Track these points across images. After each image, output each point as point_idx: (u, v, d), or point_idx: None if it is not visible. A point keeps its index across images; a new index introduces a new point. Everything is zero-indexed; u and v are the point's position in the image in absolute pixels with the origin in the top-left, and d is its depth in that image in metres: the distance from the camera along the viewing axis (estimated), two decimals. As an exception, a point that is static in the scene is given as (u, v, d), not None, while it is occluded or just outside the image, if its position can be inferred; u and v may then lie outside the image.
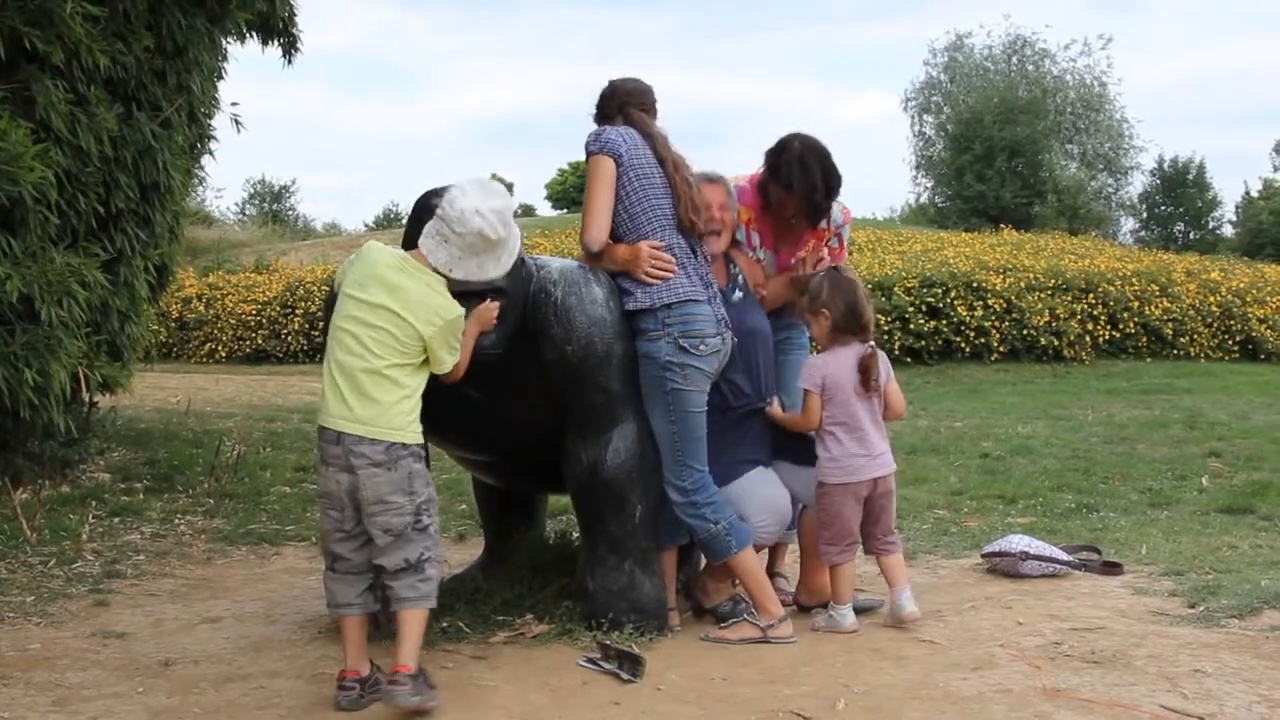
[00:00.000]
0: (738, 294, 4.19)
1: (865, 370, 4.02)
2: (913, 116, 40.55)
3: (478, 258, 3.37)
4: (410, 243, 3.59)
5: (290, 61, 7.49)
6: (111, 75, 5.53)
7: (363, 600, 3.36)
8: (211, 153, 7.23)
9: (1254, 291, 16.89)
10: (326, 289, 4.07)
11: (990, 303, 14.78)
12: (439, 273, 3.35)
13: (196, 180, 7.21)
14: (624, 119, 4.05)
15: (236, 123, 7.00)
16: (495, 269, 3.43)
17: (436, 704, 3.20)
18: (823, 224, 4.32)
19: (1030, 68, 38.98)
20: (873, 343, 4.08)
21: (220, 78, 7.01)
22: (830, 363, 4.06)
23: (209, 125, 6.97)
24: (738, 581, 4.03)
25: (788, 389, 4.25)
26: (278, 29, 7.24)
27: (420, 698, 3.16)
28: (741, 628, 3.89)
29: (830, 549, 4.05)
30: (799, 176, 4.11)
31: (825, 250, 4.32)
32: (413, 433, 3.31)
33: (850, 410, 4.02)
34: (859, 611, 4.08)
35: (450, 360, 3.39)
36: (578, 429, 3.83)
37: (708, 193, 4.11)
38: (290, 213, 43.09)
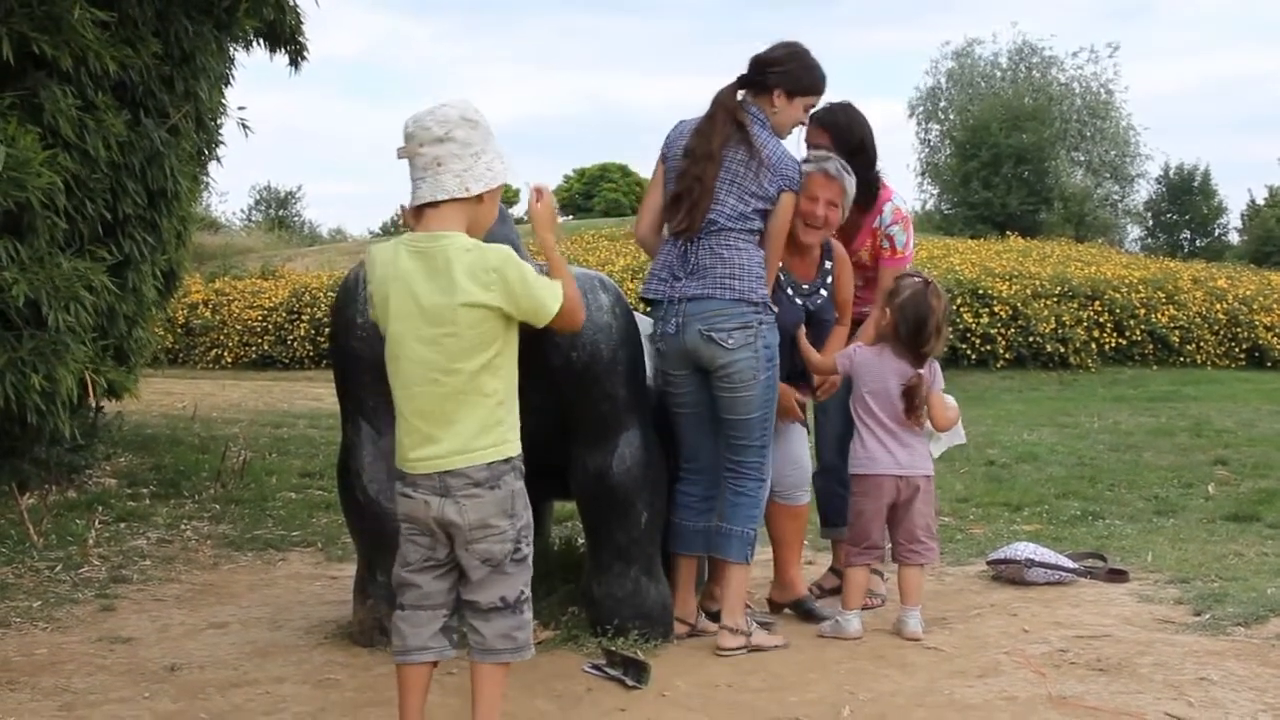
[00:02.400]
0: (824, 291, 4.17)
1: (909, 395, 3.97)
2: (918, 124, 40.59)
3: (477, 151, 2.76)
4: None
5: (297, 69, 7.51)
6: (119, 81, 5.55)
7: (437, 644, 2.82)
8: (219, 159, 7.26)
9: (1261, 299, 16.87)
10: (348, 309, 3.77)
11: (996, 310, 14.77)
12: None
13: (203, 186, 7.22)
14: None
15: (244, 127, 7.01)
16: (503, 165, 2.82)
17: None
18: (875, 222, 4.40)
19: (1036, 75, 39.00)
20: (923, 372, 4.00)
21: (228, 84, 7.03)
22: (866, 358, 4.05)
23: (216, 132, 6.99)
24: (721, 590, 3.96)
25: None
26: (285, 37, 7.26)
27: None
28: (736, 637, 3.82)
29: (850, 549, 4.08)
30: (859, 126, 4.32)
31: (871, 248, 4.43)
32: (514, 443, 2.80)
33: (869, 407, 4.03)
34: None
35: (551, 297, 2.79)
36: (583, 436, 3.83)
37: (818, 186, 4.01)
38: (296, 219, 43.16)
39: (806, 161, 4.05)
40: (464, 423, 2.72)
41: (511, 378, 2.82)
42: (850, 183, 4.08)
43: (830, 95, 4.16)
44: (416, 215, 2.79)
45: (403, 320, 2.74)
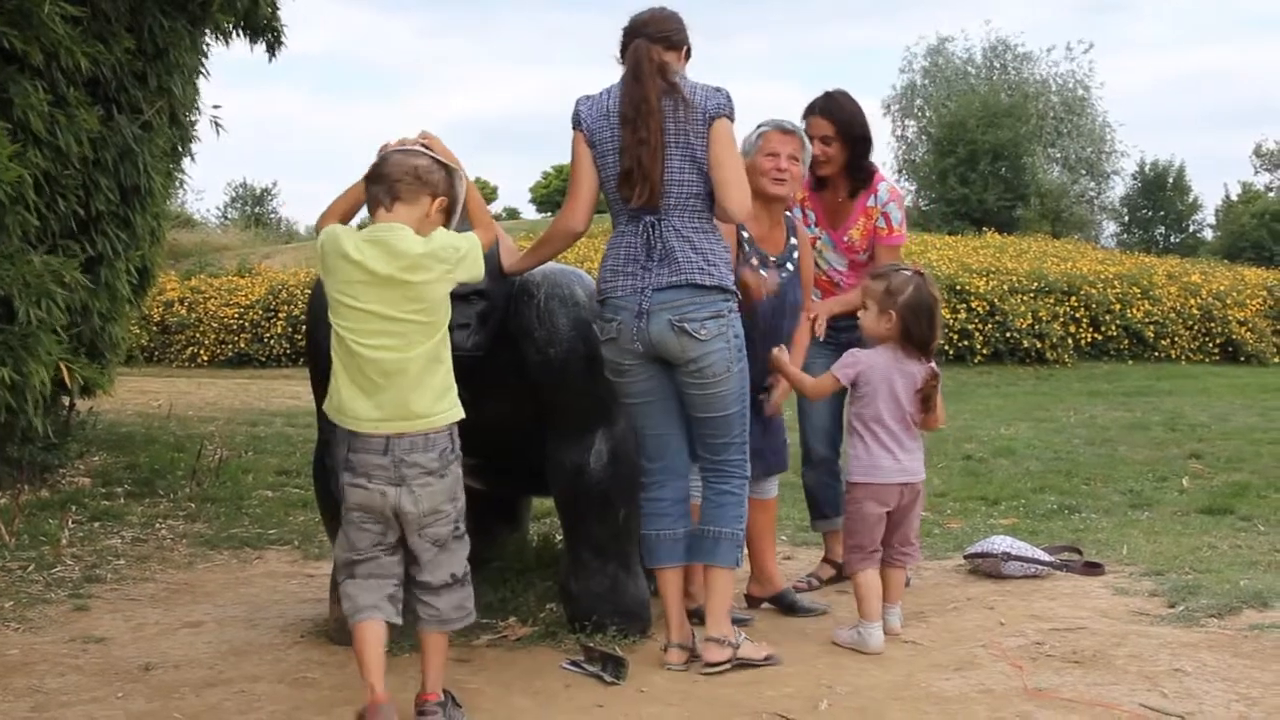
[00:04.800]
0: (790, 265, 4.10)
1: (926, 398, 3.86)
2: (894, 121, 40.68)
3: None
4: None
5: (274, 57, 7.44)
6: (92, 77, 5.50)
7: (385, 607, 3.02)
8: (193, 154, 7.21)
9: (1234, 294, 17.03)
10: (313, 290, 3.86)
11: (974, 305, 14.84)
12: (393, 197, 3.06)
13: (177, 183, 7.17)
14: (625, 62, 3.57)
15: (217, 125, 6.97)
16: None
17: None
18: (870, 201, 4.47)
19: (1011, 72, 39.17)
20: (934, 365, 3.91)
21: (202, 75, 6.94)
22: (873, 363, 3.87)
23: (190, 128, 6.94)
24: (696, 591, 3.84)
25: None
26: (260, 26, 7.19)
27: None
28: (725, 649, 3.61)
29: (853, 556, 3.91)
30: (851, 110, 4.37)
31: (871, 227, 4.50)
32: (460, 408, 3.07)
33: (878, 413, 3.85)
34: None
35: (473, 257, 3.09)
36: (561, 432, 3.82)
37: (777, 142, 4.00)
38: (273, 216, 42.99)
39: (761, 125, 4.07)
40: (425, 387, 2.98)
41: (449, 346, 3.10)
42: (807, 140, 4.12)
43: (808, 93, 4.27)
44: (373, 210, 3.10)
45: (359, 289, 2.98)
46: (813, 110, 4.44)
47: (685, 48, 3.67)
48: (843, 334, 4.41)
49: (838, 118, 4.40)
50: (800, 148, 4.07)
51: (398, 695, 3.07)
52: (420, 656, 3.11)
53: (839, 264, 4.59)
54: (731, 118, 3.55)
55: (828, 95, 4.46)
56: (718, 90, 3.54)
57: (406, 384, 2.97)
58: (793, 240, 4.18)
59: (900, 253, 4.57)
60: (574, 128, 3.61)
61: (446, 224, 3.13)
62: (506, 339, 3.69)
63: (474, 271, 3.13)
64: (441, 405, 3.03)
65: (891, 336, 3.86)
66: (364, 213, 3.20)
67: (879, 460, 3.86)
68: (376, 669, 2.95)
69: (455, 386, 3.08)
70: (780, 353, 3.99)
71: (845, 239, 4.53)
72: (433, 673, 3.06)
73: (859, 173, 4.47)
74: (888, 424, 3.86)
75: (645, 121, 3.45)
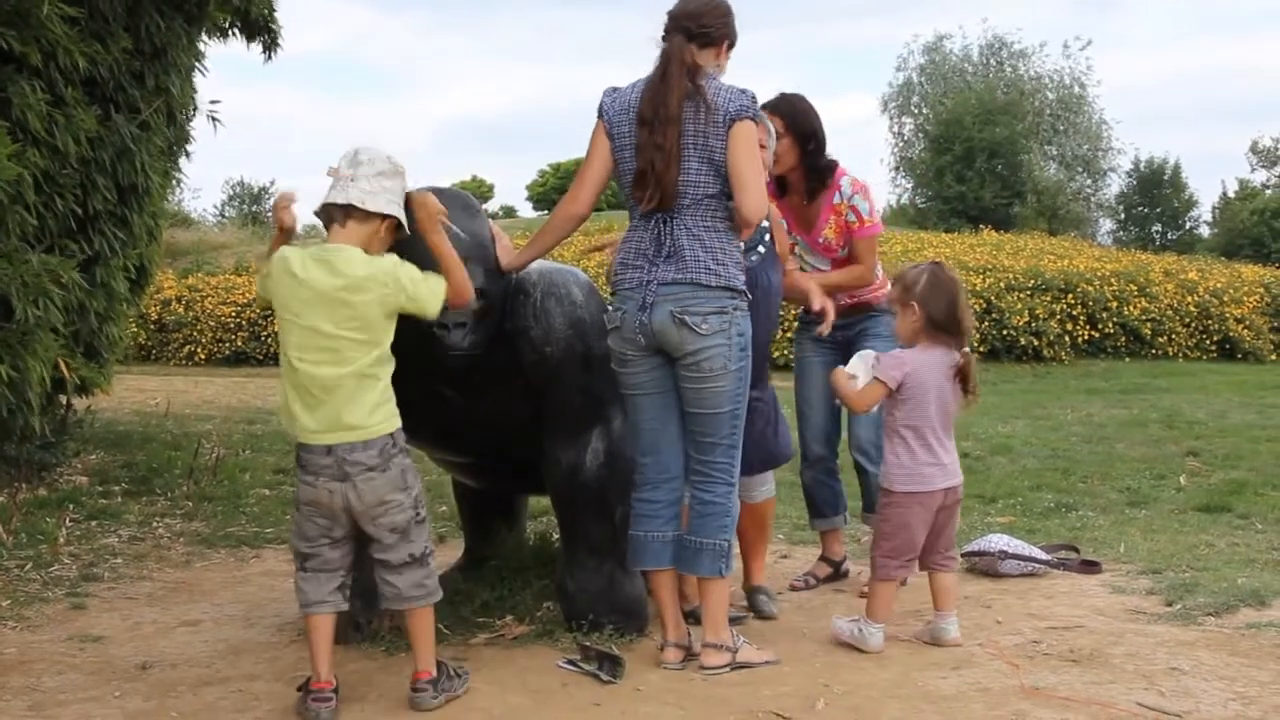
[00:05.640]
0: (761, 249, 4.01)
1: (965, 378, 3.79)
2: (891, 118, 40.74)
3: (387, 185, 3.23)
4: None
5: (271, 57, 7.43)
6: (89, 76, 5.50)
7: (334, 599, 3.28)
8: (189, 153, 7.19)
9: (1231, 291, 17.04)
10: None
11: (970, 303, 14.82)
12: (347, 215, 3.21)
13: (175, 182, 7.16)
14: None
15: (214, 121, 6.96)
16: (400, 210, 3.27)
17: (468, 685, 3.34)
18: (835, 199, 4.43)
19: (1008, 69, 39.21)
20: (968, 348, 3.85)
21: (200, 73, 6.93)
22: (919, 361, 3.76)
23: (187, 127, 6.93)
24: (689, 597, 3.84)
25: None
26: (258, 26, 7.18)
27: (444, 695, 3.25)
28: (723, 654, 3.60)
29: (891, 561, 3.80)
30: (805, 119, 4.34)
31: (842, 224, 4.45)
32: (397, 419, 3.26)
33: (926, 414, 3.75)
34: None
35: (433, 292, 3.24)
36: (557, 430, 3.82)
37: None
38: (270, 214, 42.87)
39: None
40: (359, 403, 3.16)
41: (391, 364, 3.26)
42: (771, 125, 4.10)
43: (805, 90, 4.27)
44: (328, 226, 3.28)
45: (301, 306, 3.16)
46: (764, 108, 4.38)
47: (727, 41, 3.64)
48: (839, 330, 4.43)
49: (785, 112, 4.35)
50: (767, 134, 4.02)
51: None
52: (409, 632, 3.33)
53: (822, 265, 4.56)
54: (756, 119, 3.54)
55: (780, 95, 4.43)
56: (743, 92, 3.51)
57: (342, 398, 3.16)
58: (764, 223, 4.03)
59: (877, 241, 4.55)
60: (597, 116, 3.63)
61: (395, 239, 3.30)
62: (503, 337, 3.69)
63: (422, 306, 3.25)
64: (376, 417, 3.20)
65: (920, 329, 3.78)
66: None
67: (923, 467, 3.75)
68: (323, 657, 3.23)
69: (393, 399, 3.26)
70: (838, 374, 3.89)
71: (821, 240, 4.50)
72: (420, 651, 3.27)
73: (814, 171, 4.43)
74: (934, 425, 3.77)
75: (663, 128, 3.43)
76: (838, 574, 4.74)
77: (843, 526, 4.81)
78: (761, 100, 4.30)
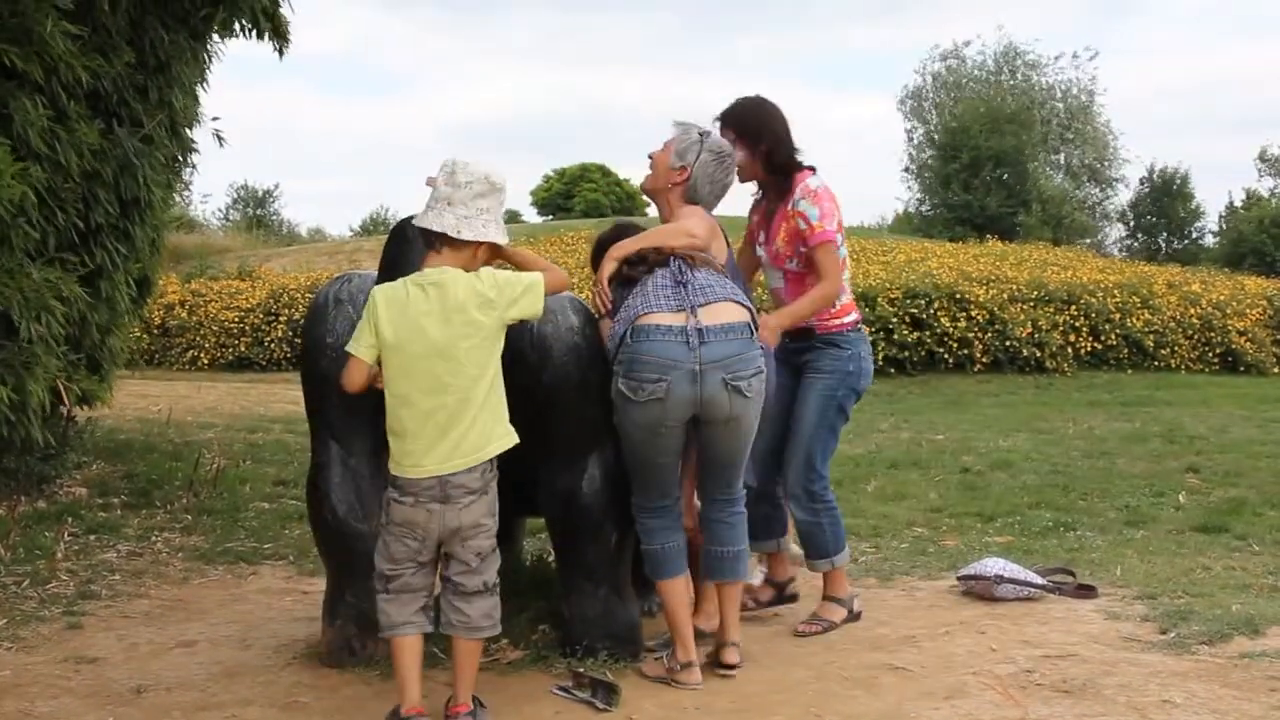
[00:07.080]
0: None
1: None
2: (905, 120, 40.83)
3: (484, 207, 3.22)
4: (388, 265, 3.61)
5: (282, 56, 7.35)
6: (92, 90, 5.51)
7: (418, 619, 3.24)
8: (194, 166, 7.21)
9: (1234, 304, 17.02)
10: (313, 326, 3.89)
11: (973, 314, 14.83)
12: (444, 242, 3.22)
13: (177, 194, 7.17)
14: None
15: (219, 138, 6.96)
16: (498, 229, 3.27)
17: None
18: (790, 205, 4.25)
19: (1020, 79, 39.23)
20: None
21: (203, 83, 6.88)
22: None
23: (190, 140, 6.93)
24: (662, 606, 3.85)
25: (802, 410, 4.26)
26: (269, 26, 7.13)
27: None
28: (652, 665, 3.75)
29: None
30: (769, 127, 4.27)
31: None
32: (498, 442, 3.26)
33: None
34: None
35: (533, 295, 3.29)
36: (554, 456, 3.82)
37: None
38: (274, 218, 42.92)
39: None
40: (474, 432, 3.18)
41: (501, 386, 3.29)
42: (679, 140, 3.96)
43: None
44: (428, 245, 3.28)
45: (412, 346, 3.17)
46: (719, 118, 4.30)
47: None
48: (794, 356, 4.29)
49: (731, 122, 4.25)
50: (667, 146, 3.98)
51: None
52: (452, 667, 3.30)
53: (776, 280, 4.38)
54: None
55: (733, 102, 4.31)
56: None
57: (463, 427, 3.17)
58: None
59: (833, 250, 4.18)
60: None
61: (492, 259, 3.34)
62: (501, 362, 3.68)
63: (531, 309, 3.31)
64: (483, 441, 3.22)
65: None
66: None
67: None
68: (412, 681, 3.21)
69: (504, 418, 3.28)
70: None
71: (772, 250, 4.33)
72: (463, 684, 3.25)
73: (774, 175, 4.27)
74: None
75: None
76: (781, 598, 4.60)
77: (779, 550, 4.57)
78: (809, 102, 4.35)
